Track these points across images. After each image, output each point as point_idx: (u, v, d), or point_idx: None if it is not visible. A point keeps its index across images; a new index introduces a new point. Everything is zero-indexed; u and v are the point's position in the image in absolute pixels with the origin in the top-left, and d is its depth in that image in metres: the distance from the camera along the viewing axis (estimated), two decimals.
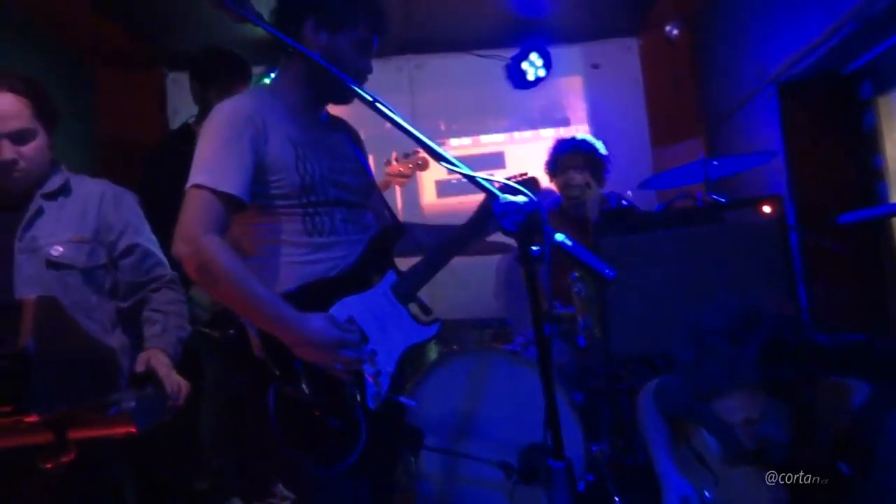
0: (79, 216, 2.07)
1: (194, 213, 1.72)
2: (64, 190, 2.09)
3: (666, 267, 2.54)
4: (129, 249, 2.12)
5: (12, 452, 1.55)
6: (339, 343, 1.74)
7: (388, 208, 2.20)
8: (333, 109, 2.08)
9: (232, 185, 1.74)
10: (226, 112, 1.84)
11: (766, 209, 2.49)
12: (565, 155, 3.61)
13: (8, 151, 1.93)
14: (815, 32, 3.07)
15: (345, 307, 1.87)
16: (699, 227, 2.55)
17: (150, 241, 2.18)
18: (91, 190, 2.13)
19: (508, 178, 1.77)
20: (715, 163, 3.31)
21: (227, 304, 1.80)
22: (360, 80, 1.94)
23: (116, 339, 2.06)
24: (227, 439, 3.15)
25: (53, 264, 1.98)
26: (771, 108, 3.61)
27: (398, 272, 2.01)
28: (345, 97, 1.94)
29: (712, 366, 1.66)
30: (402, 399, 1.93)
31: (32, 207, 2.02)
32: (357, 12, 1.93)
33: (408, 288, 2.00)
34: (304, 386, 1.76)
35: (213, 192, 1.73)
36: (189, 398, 2.00)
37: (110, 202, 2.13)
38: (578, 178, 3.62)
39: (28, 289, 1.91)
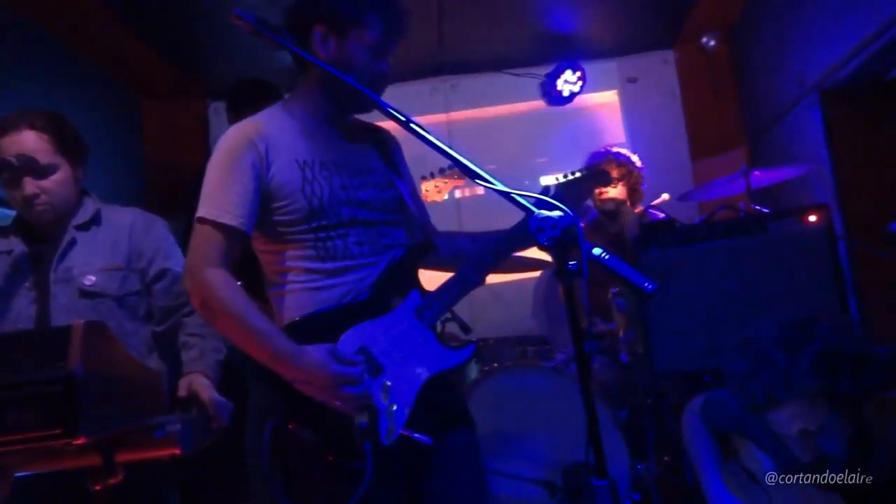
0: (110, 245, 2.13)
1: (196, 246, 1.71)
2: (96, 220, 2.15)
3: (710, 280, 2.49)
4: (161, 274, 2.17)
5: (62, 475, 1.60)
6: (337, 379, 1.62)
7: (425, 222, 2.07)
8: (372, 118, 1.96)
9: (232, 216, 1.72)
10: (228, 138, 1.80)
11: (812, 219, 2.43)
12: (598, 167, 3.58)
13: (30, 187, 2.00)
14: (857, 38, 3.01)
15: (357, 335, 1.77)
16: (743, 239, 2.49)
17: (181, 265, 2.20)
18: (122, 219, 2.20)
19: (578, 171, 1.69)
20: (757, 173, 3.25)
21: (228, 339, 1.79)
22: (379, 85, 1.84)
23: (154, 364, 2.12)
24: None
25: (87, 293, 2.04)
26: (814, 116, 3.54)
27: (424, 293, 1.86)
28: (364, 105, 1.88)
29: (767, 375, 1.62)
30: (416, 435, 1.72)
31: (65, 239, 2.08)
32: (364, 12, 1.81)
33: (434, 309, 1.84)
34: (304, 422, 1.67)
35: (214, 224, 1.71)
36: (235, 419, 2.02)
37: (141, 229, 2.19)
38: (612, 191, 3.58)
39: (63, 318, 1.97)
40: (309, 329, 1.76)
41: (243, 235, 1.73)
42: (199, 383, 1.99)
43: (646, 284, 1.24)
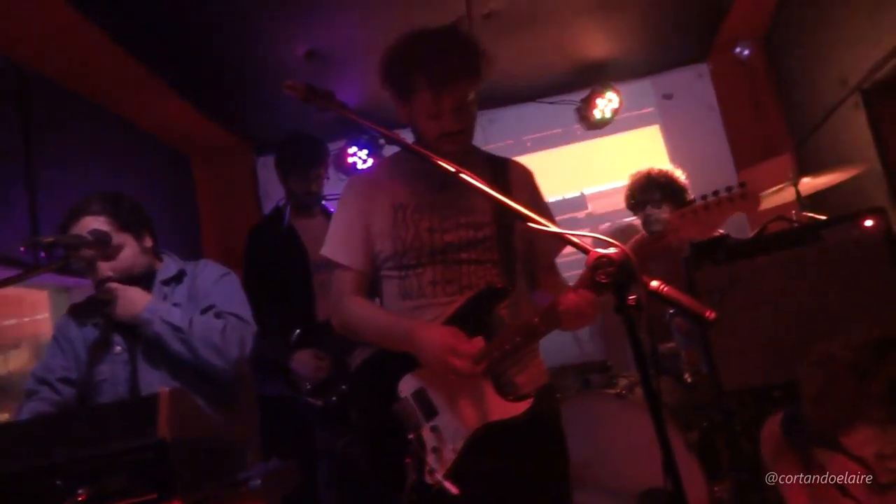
0: (187, 297, 2.27)
1: (334, 282, 2.03)
2: (178, 277, 2.30)
3: (768, 293, 2.46)
4: (210, 308, 2.25)
5: None
6: (449, 368, 1.75)
7: (541, 261, 2.04)
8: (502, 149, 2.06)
9: (345, 256, 1.99)
10: (345, 187, 2.07)
11: (868, 223, 2.39)
12: (640, 191, 3.55)
13: (104, 269, 2.15)
14: None
15: (417, 377, 1.87)
16: (798, 249, 2.47)
17: (237, 311, 2.28)
18: (196, 270, 2.34)
19: (723, 190, 1.65)
20: (806, 179, 3.21)
21: (372, 344, 1.98)
22: (447, 143, 1.88)
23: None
24: None
25: None
26: (859, 117, 3.49)
27: (489, 339, 1.81)
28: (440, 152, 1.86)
29: (836, 399, 1.60)
30: (446, 483, 1.76)
31: (157, 296, 2.22)
32: (409, 77, 1.85)
33: (493, 358, 1.79)
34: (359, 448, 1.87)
35: (336, 263, 2.00)
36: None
37: (210, 278, 2.32)
38: (657, 212, 3.56)
39: (149, 373, 2.14)
40: (376, 365, 1.93)
41: (359, 271, 1.99)
42: (139, 293, 2.15)
43: (706, 314, 1.26)
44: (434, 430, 1.86)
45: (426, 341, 1.79)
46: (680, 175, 3.64)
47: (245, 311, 2.31)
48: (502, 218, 1.93)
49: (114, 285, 2.12)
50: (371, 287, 2.05)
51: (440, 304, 1.90)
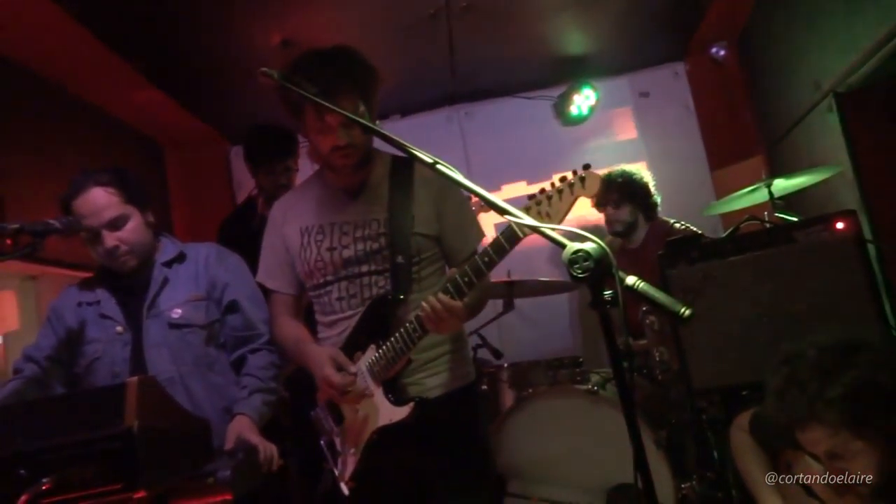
0: (192, 277, 2.27)
1: (268, 305, 2.26)
2: (180, 258, 2.29)
3: (740, 293, 2.48)
4: (231, 306, 2.27)
5: None
6: (324, 380, 1.92)
7: (414, 267, 2.01)
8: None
9: (272, 281, 2.19)
10: (270, 212, 2.24)
11: (840, 225, 2.42)
12: (600, 192, 3.59)
13: (109, 240, 2.13)
14: (870, 39, 3.01)
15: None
16: (770, 250, 2.49)
17: (249, 298, 2.31)
18: (199, 252, 2.34)
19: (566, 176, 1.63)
20: (779, 181, 3.25)
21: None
22: (339, 157, 1.93)
23: (235, 388, 2.21)
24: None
25: (175, 325, 2.18)
26: (831, 120, 3.53)
27: (379, 346, 1.92)
28: (332, 167, 2.01)
29: (794, 397, 1.62)
30: (342, 485, 1.95)
31: (157, 277, 2.22)
32: (296, 96, 1.77)
33: (381, 365, 1.91)
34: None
35: (266, 288, 2.21)
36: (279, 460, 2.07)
37: (215, 261, 2.32)
38: (616, 212, 3.62)
39: (154, 352, 2.14)
40: (299, 380, 2.14)
41: (288, 294, 2.18)
42: (246, 427, 2.04)
43: (682, 310, 1.25)
44: (341, 434, 2.01)
45: (311, 362, 1.99)
46: (642, 176, 3.68)
47: (260, 295, 2.34)
48: (397, 225, 1.99)
49: (257, 450, 2.00)
50: (301, 306, 2.22)
51: (347, 317, 2.03)
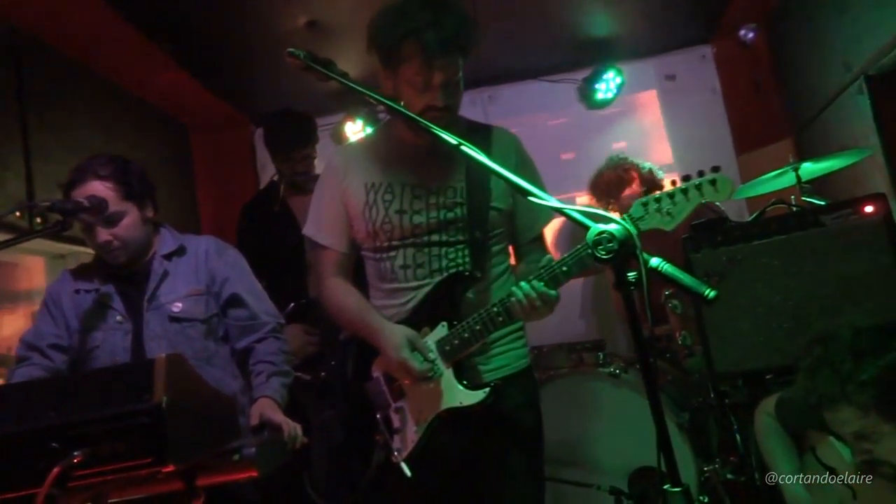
0: (192, 272, 2.26)
1: (315, 262, 2.07)
2: (180, 251, 2.28)
3: (765, 277, 2.46)
4: (232, 299, 2.27)
5: (148, 500, 1.67)
6: (401, 364, 1.80)
7: (489, 243, 1.93)
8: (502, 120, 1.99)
9: (323, 237, 2.00)
10: (325, 165, 2.04)
11: (869, 209, 2.38)
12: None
13: (103, 235, 2.13)
14: None
15: (385, 361, 1.90)
16: (797, 234, 2.46)
17: (250, 292, 2.31)
18: (199, 246, 2.33)
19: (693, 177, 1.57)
20: (807, 165, 3.19)
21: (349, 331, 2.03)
22: (435, 115, 1.77)
23: (236, 381, 2.23)
24: (339, 482, 3.23)
25: (175, 319, 2.18)
26: (861, 103, 3.47)
27: (452, 325, 1.83)
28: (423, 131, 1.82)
29: (827, 376, 1.61)
30: (403, 464, 1.83)
31: (157, 270, 2.22)
32: (399, 45, 1.74)
33: (454, 345, 1.81)
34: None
35: (315, 243, 2.01)
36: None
37: (214, 255, 2.31)
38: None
39: (155, 344, 2.13)
40: (358, 343, 1.96)
41: (339, 252, 2.00)
42: (267, 407, 2.06)
43: (707, 292, 1.25)
44: (399, 411, 1.90)
45: (382, 339, 1.86)
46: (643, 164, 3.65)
47: (259, 287, 2.36)
48: (476, 197, 1.88)
49: (282, 428, 2.01)
50: (352, 266, 2.06)
51: (411, 288, 1.91)
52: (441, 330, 1.84)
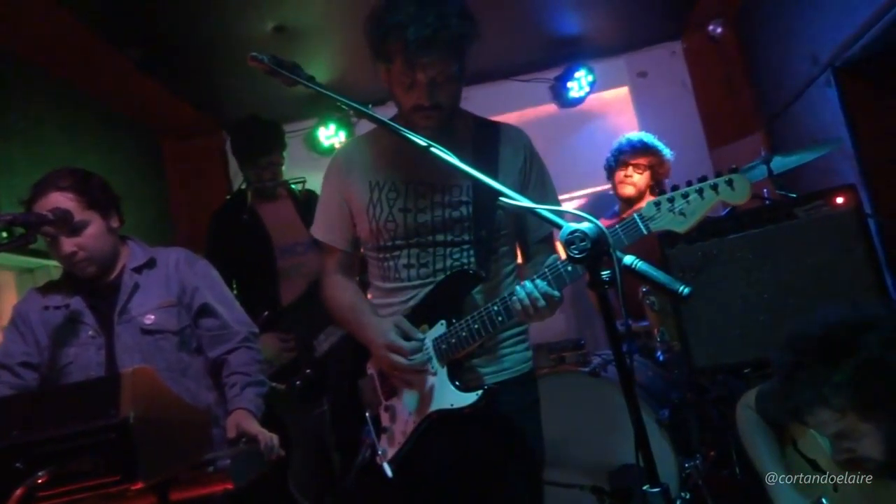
0: (163, 283, 2.22)
1: (321, 260, 2.06)
2: (150, 263, 2.24)
3: (741, 271, 2.48)
4: (202, 309, 2.24)
5: None
6: (389, 348, 1.76)
7: (495, 242, 1.88)
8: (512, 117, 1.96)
9: (325, 235, 1.99)
10: (329, 164, 2.01)
11: (840, 200, 2.40)
12: (630, 152, 3.53)
13: (67, 245, 2.08)
14: (869, 11, 2.98)
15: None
16: (771, 227, 2.48)
17: (221, 301, 2.28)
18: (169, 257, 2.29)
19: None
20: (778, 157, 3.21)
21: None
22: (421, 118, 1.77)
23: (211, 393, 2.20)
24: (322, 481, 3.20)
25: (148, 331, 2.14)
26: (830, 95, 3.50)
27: (450, 324, 1.77)
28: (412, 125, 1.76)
29: (801, 381, 1.60)
30: (385, 465, 1.79)
31: (128, 283, 2.18)
32: (385, 46, 1.73)
33: (450, 344, 1.76)
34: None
35: (319, 240, 2.02)
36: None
37: (185, 265, 2.28)
38: (637, 177, 3.52)
39: (128, 357, 2.09)
40: (350, 346, 1.95)
41: (341, 250, 1.98)
42: (244, 419, 2.03)
43: (681, 289, 1.24)
44: (389, 409, 1.86)
45: (370, 330, 1.83)
46: (668, 152, 3.59)
47: (230, 297, 2.34)
48: (482, 195, 1.81)
49: (258, 439, 1.98)
50: (356, 264, 2.06)
51: (414, 286, 1.87)
52: (439, 328, 1.78)
